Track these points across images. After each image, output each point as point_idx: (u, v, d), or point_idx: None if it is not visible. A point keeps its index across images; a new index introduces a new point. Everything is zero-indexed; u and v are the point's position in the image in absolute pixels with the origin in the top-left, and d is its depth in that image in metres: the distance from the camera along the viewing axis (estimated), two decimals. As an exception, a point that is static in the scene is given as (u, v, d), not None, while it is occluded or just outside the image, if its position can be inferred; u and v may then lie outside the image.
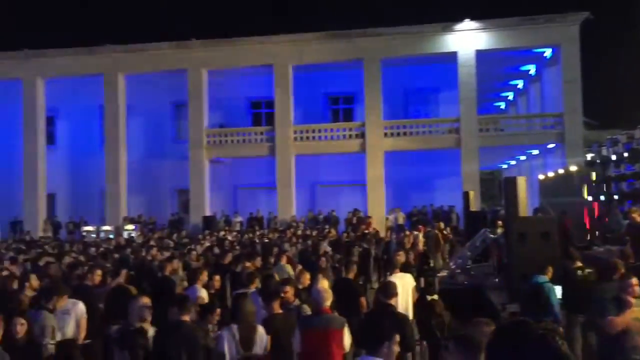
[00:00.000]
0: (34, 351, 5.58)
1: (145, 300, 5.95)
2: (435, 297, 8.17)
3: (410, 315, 8.47)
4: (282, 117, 28.19)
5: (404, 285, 8.54)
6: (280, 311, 6.59)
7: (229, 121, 30.52)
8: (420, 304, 8.40)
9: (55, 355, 4.68)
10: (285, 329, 6.31)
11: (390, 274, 9.02)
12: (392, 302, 7.08)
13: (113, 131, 29.10)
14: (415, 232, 18.28)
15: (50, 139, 31.60)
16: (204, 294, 8.03)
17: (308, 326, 6.15)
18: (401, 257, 9.82)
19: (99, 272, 9.01)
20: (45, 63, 29.40)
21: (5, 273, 10.01)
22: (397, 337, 3.99)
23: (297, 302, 7.21)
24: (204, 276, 8.67)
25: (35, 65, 29.36)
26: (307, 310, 6.91)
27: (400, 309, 8.14)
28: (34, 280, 8.46)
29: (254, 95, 31.35)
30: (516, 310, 8.85)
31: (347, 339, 6.07)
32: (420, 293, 8.80)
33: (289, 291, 7.06)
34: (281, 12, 43.96)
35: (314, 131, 28.70)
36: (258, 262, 10.64)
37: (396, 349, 3.84)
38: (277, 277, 8.49)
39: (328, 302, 6.23)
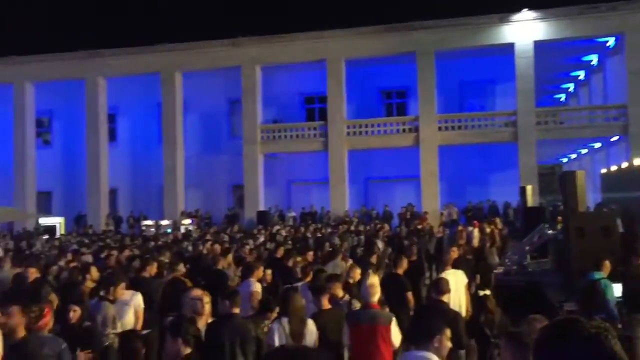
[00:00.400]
0: (88, 338, 5.81)
1: (198, 293, 6.09)
2: (488, 292, 7.98)
3: (463, 312, 8.36)
4: (335, 112, 28.20)
5: (456, 282, 8.41)
6: (329, 306, 6.61)
7: (282, 117, 30.79)
8: (473, 299, 8.27)
9: (119, 346, 4.86)
10: (333, 325, 6.33)
11: (442, 270, 8.89)
12: (444, 298, 6.99)
13: (170, 128, 29.85)
14: (470, 228, 17.96)
15: (112, 135, 32.66)
16: (258, 288, 8.11)
17: (355, 321, 6.17)
18: (454, 253, 9.68)
19: (155, 264, 9.28)
20: (106, 63, 30.42)
21: (74, 264, 10.49)
22: (449, 332, 3.88)
23: (347, 297, 7.22)
24: (260, 271, 8.76)
25: (97, 65, 30.42)
26: (357, 305, 6.91)
27: (453, 306, 8.03)
28: (95, 272, 8.80)
29: (308, 91, 31.48)
30: (574, 308, 8.57)
31: (396, 335, 6.03)
32: (475, 289, 8.65)
33: (336, 287, 7.05)
34: (333, 7, 43.96)
35: (366, 126, 28.59)
36: (310, 256, 10.71)
37: (448, 344, 3.74)
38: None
39: (375, 297, 6.20)
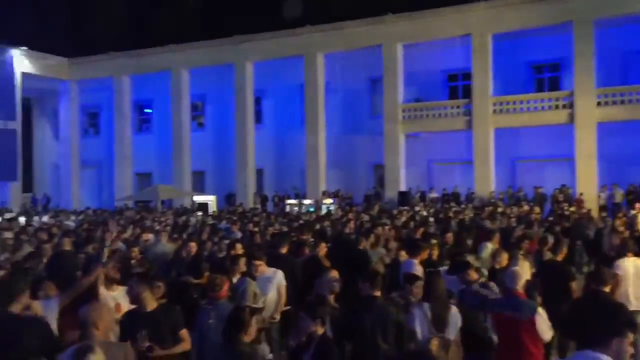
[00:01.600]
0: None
1: (335, 274, 6.02)
2: None
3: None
4: (480, 89, 26.94)
5: (637, 268, 7.60)
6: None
7: (424, 95, 30.00)
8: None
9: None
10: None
11: (622, 257, 7.97)
12: (607, 289, 6.28)
13: (313, 109, 30.39)
14: (633, 212, 16.34)
15: (258, 117, 33.98)
16: (420, 271, 7.85)
17: (494, 309, 5.76)
18: (618, 239, 8.72)
19: (289, 242, 9.45)
20: (252, 47, 31.64)
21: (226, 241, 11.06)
22: (632, 337, 3.20)
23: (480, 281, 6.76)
24: (426, 253, 8.48)
25: (244, 50, 31.76)
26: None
27: (632, 297, 7.39)
28: (239, 248, 9.11)
29: (451, 68, 30.34)
30: None
31: (543, 328, 5.45)
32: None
33: (471, 271, 6.61)
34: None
35: (514, 102, 26.99)
36: (449, 238, 10.23)
37: (629, 350, 3.06)
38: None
39: (518, 285, 5.66)
